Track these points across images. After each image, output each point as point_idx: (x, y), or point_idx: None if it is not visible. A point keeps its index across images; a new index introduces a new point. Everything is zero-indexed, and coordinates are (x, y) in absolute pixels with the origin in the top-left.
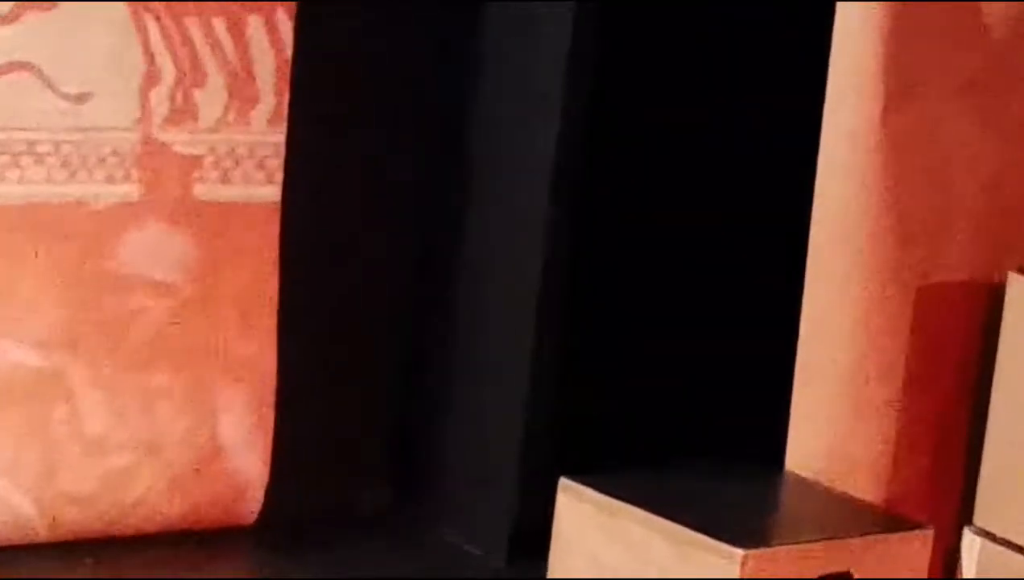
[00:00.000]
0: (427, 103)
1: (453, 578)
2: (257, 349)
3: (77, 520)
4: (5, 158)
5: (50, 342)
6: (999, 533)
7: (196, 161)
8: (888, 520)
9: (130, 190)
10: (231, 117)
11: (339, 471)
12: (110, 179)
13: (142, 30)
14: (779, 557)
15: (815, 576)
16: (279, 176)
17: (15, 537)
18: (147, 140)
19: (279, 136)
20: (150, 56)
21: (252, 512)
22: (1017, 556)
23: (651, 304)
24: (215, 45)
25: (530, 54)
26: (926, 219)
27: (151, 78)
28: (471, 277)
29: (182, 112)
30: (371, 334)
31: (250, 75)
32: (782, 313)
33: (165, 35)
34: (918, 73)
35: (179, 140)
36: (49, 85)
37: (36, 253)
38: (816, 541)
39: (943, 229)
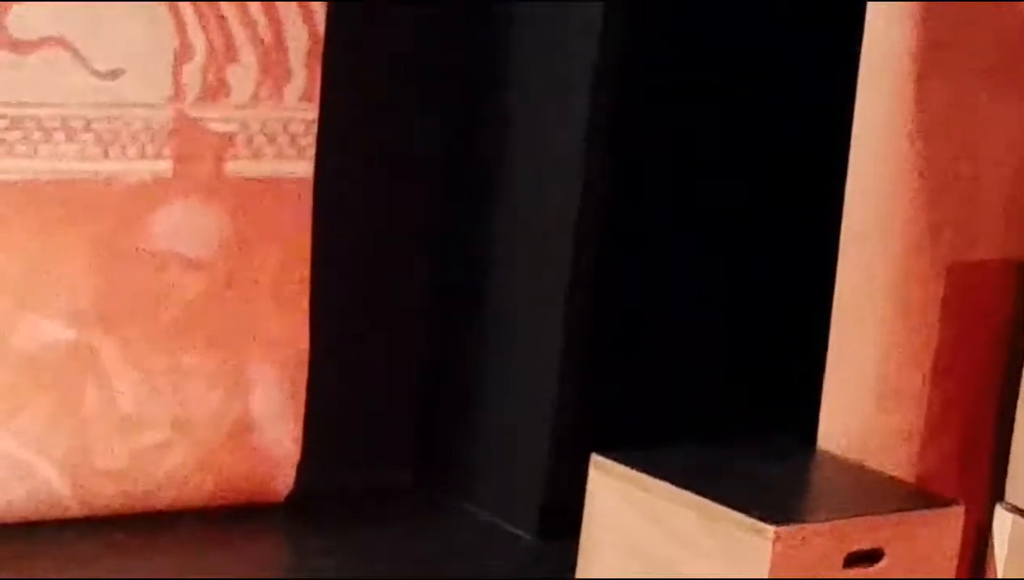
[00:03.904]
0: (458, 80)
1: (484, 555)
2: (289, 326)
3: (109, 496)
4: (38, 134)
5: (82, 318)
6: None
7: (229, 138)
8: (920, 497)
9: (163, 167)
10: (264, 94)
11: (370, 448)
12: (143, 155)
13: (175, 6)
14: (810, 533)
15: (846, 553)
16: (311, 153)
17: (47, 513)
18: (180, 117)
19: (311, 113)
20: (183, 32)
21: (283, 489)
22: None
23: (683, 282)
24: (247, 21)
25: (560, 40)
26: (957, 199)
27: (183, 54)
28: (502, 252)
29: (215, 89)
30: (402, 310)
31: (282, 51)
32: (814, 292)
33: (198, 11)
34: (949, 53)
35: (212, 117)
36: (82, 61)
37: (68, 229)
38: (847, 518)
39: (974, 209)
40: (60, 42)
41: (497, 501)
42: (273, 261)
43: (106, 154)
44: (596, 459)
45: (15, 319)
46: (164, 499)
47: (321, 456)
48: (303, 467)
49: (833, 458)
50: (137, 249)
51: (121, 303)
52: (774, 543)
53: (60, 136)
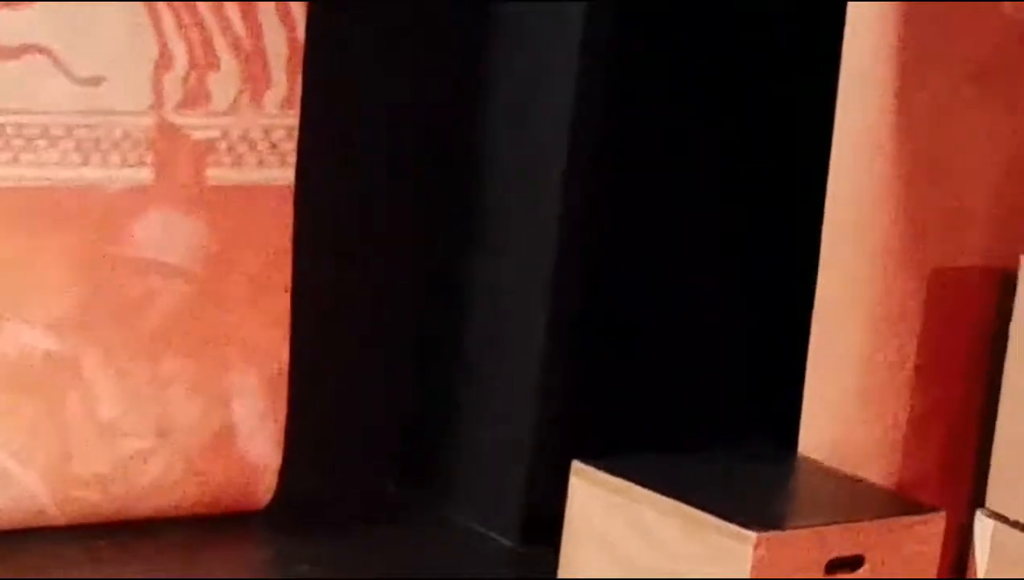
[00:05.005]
0: (441, 84)
1: (466, 561)
2: (270, 333)
3: (91, 504)
4: (19, 141)
5: (63, 326)
6: (1011, 516)
7: (210, 145)
8: (901, 504)
9: (144, 174)
10: (244, 101)
11: (352, 455)
12: (124, 163)
13: (155, 14)
14: (791, 540)
15: (828, 559)
16: (293, 159)
17: (30, 520)
18: (161, 124)
19: (292, 119)
20: (163, 40)
21: (265, 496)
22: None
23: (665, 289)
24: (228, 28)
25: (543, 41)
26: (939, 206)
27: (164, 62)
28: (485, 259)
29: (195, 96)
30: (384, 318)
31: (263, 58)
32: (795, 299)
33: (178, 18)
34: (930, 60)
35: (192, 124)
36: (63, 68)
37: (49, 237)
38: (828, 524)
39: (956, 215)
40: (41, 49)
41: (479, 507)
42: (254, 268)
43: (87, 161)
44: (576, 466)
45: None
46: (146, 507)
47: (303, 463)
48: (285, 474)
49: (814, 464)
50: (118, 256)
51: (102, 311)
52: (755, 549)
53: (41, 143)
